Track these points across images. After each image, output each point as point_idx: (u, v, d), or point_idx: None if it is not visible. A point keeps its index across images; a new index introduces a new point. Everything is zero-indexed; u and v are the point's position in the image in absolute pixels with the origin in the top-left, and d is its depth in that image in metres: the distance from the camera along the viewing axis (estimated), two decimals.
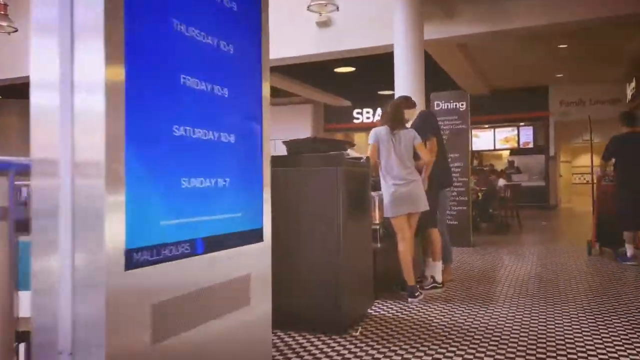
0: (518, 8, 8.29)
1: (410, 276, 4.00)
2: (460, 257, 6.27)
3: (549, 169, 14.99)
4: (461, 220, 7.15)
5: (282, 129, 15.08)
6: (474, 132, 16.43)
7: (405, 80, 7.12)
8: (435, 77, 14.35)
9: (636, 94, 12.65)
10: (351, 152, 4.01)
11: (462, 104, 7.16)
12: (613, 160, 5.94)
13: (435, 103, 7.31)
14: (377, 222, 4.09)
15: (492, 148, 16.45)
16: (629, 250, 5.66)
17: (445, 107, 7.23)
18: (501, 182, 11.29)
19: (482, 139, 16.44)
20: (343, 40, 9.26)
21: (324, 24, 9.44)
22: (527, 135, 15.85)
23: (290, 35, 9.43)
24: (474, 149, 16.68)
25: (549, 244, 7.68)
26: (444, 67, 11.65)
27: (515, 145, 16.04)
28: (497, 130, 16.21)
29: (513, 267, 5.67)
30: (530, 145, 15.79)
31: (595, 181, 6.59)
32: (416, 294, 4.00)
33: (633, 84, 12.76)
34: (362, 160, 3.56)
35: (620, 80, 13.65)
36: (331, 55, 9.74)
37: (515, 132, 15.98)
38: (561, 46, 10.28)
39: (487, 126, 16.29)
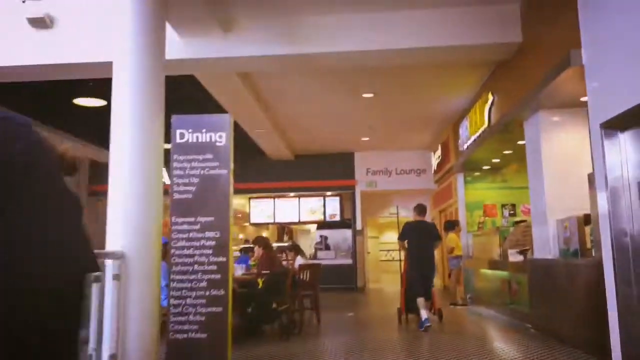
0: (317, 30, 6.18)
1: None
2: None
3: (356, 245, 13.22)
4: (214, 332, 4.17)
5: None
6: (277, 202, 14.18)
7: (134, 118, 4.12)
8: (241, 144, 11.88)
9: (441, 164, 11.70)
10: None
11: (220, 136, 4.39)
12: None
13: (178, 133, 4.43)
14: None
15: (297, 220, 14.26)
16: (423, 314, 6.53)
17: (194, 139, 4.40)
18: (299, 261, 8.80)
19: (288, 210, 14.20)
20: (64, 50, 6.14)
21: (40, 23, 6.24)
22: (333, 206, 14.08)
23: None
24: (276, 220, 14.36)
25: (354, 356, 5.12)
26: (236, 118, 9.11)
27: (322, 217, 14.12)
28: (302, 200, 14.17)
29: None
30: (337, 218, 14.01)
31: (403, 257, 7.60)
32: None
33: (439, 152, 11.84)
34: None
35: (427, 148, 12.78)
36: (53, 72, 6.49)
37: (322, 202, 14.11)
38: (366, 95, 8.56)
39: (292, 195, 14.19)
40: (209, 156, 4.35)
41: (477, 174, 10.60)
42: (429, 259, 7.04)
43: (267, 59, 6.34)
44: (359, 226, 13.22)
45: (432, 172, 12.70)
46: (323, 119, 10.09)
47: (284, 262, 8.32)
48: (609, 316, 4.24)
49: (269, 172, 13.26)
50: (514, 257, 7.24)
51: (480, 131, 8.14)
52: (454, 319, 7.73)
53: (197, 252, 4.24)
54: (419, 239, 7.01)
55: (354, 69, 7.31)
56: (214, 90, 7.68)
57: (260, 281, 5.78)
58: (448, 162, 11.06)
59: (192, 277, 4.22)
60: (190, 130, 4.40)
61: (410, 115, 9.95)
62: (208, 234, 4.25)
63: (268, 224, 14.21)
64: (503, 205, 10.32)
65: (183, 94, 8.31)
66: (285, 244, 16.41)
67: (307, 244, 16.82)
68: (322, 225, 14.68)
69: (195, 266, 4.23)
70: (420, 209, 7.34)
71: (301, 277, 7.66)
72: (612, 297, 4.15)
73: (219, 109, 8.69)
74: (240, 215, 18.62)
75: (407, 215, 15.15)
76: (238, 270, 6.14)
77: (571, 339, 5.24)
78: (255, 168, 13.27)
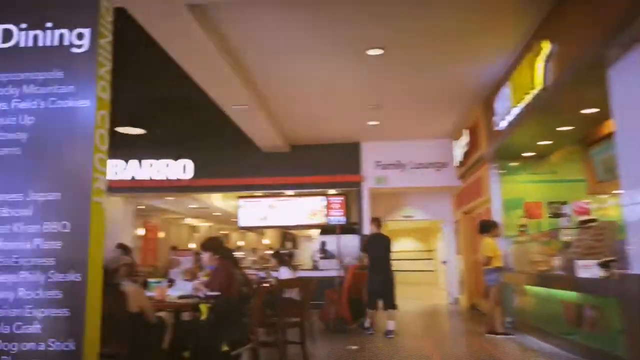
0: None
1: None
2: None
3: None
4: None
5: None
6: (271, 201, 12.04)
7: None
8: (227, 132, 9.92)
9: (468, 153, 9.48)
10: None
11: (79, 35, 2.27)
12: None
13: None
14: None
15: (296, 224, 12.07)
16: (367, 322, 7.43)
17: (29, 41, 2.29)
18: (284, 273, 6.65)
19: (284, 212, 12.04)
20: None
21: None
22: (338, 207, 11.90)
23: None
24: (270, 223, 12.21)
25: None
26: (203, 84, 7.05)
27: (324, 220, 11.93)
28: (301, 199, 12.00)
29: None
30: (342, 221, 11.82)
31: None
32: None
33: (465, 139, 9.62)
34: None
35: (449, 135, 10.58)
36: None
37: (324, 202, 11.94)
38: (372, 52, 6.41)
39: (292, 193, 12.06)
40: (57, 74, 2.23)
41: (515, 163, 8.37)
42: (389, 270, 7.41)
43: None
44: (366, 231, 11.01)
45: (456, 165, 10.47)
46: (319, 90, 7.92)
47: (256, 276, 6.17)
48: None
49: (261, 167, 11.15)
50: (587, 270, 5.01)
51: (529, 98, 5.96)
52: (496, 356, 5.50)
53: (24, 262, 2.11)
54: (377, 250, 7.41)
55: (353, 3, 5.19)
56: (160, 37, 5.58)
57: (204, 308, 3.63)
58: (477, 150, 8.87)
59: (12, 313, 2.09)
60: (23, 25, 2.28)
61: (429, 87, 7.77)
62: (48, 226, 2.12)
63: (261, 227, 12.07)
64: (550, 203, 8.06)
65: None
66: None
67: (309, 253, 14.67)
68: (327, 230, 12.55)
69: (21, 291, 2.10)
70: (378, 223, 7.79)
71: (284, 296, 5.51)
72: None
73: (169, 68, 6.62)
74: (234, 220, 16.41)
75: (426, 218, 12.94)
76: (173, 291, 4.00)
77: None
78: (245, 161, 11.17)
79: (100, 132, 2.20)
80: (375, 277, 7.32)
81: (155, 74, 7.43)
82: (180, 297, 3.83)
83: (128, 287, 3.11)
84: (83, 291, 2.09)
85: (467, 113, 9.03)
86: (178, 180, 11.07)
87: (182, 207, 14.99)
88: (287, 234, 20.78)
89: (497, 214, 8.22)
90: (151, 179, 11.07)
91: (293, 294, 5.76)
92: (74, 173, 2.15)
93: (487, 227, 7.20)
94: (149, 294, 3.74)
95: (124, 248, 4.19)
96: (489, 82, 7.52)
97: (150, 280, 3.93)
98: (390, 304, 7.27)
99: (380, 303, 7.41)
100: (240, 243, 22.27)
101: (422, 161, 10.97)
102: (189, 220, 19.98)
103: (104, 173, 2.23)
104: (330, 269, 10.98)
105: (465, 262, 10.94)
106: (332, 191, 11.97)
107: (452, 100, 8.45)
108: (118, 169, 11.12)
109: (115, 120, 9.24)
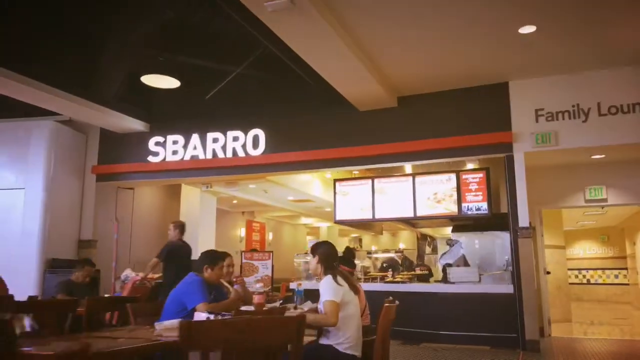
0: None
1: None
2: None
3: (520, 259, 6.81)
4: None
5: None
6: (378, 184, 8.51)
7: None
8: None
9: None
10: None
11: None
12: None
13: None
14: None
15: (412, 215, 8.31)
16: None
17: None
18: (326, 291, 3.04)
19: (397, 199, 8.39)
20: None
21: None
22: (475, 189, 7.90)
23: None
24: (377, 216, 8.61)
25: None
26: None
27: (455, 209, 7.99)
28: (418, 179, 8.26)
29: None
30: (483, 210, 7.79)
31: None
32: None
33: None
34: None
35: None
36: None
37: (453, 182, 8.03)
38: None
39: (409, 170, 8.48)
40: None
41: None
42: None
43: None
44: (523, 222, 6.87)
45: None
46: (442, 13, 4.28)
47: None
48: None
49: (357, 132, 7.74)
50: None
51: None
52: None
53: None
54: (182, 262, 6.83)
55: None
56: None
57: None
58: None
59: None
60: None
61: None
62: None
63: (363, 221, 8.61)
64: None
65: None
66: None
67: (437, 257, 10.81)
68: (462, 226, 8.74)
69: None
70: (183, 227, 7.23)
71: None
72: None
73: None
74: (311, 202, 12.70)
75: (626, 202, 8.20)
76: None
77: None
78: (335, 127, 7.86)
79: None
80: None
81: None
82: None
83: None
84: None
85: None
86: (247, 157, 8.16)
87: (281, 200, 12.14)
88: (424, 234, 16.94)
89: None
90: (215, 157, 8.34)
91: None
92: None
93: None
94: None
95: None
96: None
97: None
98: None
99: None
100: (373, 248, 18.73)
101: (619, 102, 6.52)
102: (307, 221, 17.21)
103: None
104: (463, 282, 7.09)
105: None
106: (468, 165, 8.08)
107: None
108: (178, 147, 8.59)
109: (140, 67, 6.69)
